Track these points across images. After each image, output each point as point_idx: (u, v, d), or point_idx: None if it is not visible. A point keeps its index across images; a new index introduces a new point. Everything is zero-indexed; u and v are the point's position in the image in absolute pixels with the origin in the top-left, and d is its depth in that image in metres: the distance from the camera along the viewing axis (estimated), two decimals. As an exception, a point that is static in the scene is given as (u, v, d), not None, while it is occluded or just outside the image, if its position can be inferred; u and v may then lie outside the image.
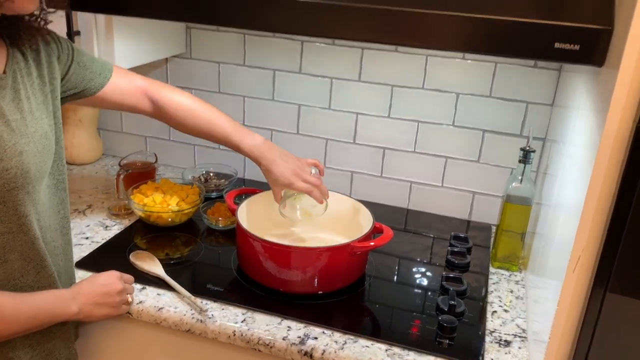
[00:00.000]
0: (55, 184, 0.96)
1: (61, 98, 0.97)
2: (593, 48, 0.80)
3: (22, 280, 0.89)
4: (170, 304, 1.07)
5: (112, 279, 1.02)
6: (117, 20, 1.26)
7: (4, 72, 0.84)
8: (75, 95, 1.02)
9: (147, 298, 1.08)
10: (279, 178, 1.14)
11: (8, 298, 0.85)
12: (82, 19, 1.23)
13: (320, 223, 1.32)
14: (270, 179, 1.16)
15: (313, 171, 1.18)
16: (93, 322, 1.06)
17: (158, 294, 1.10)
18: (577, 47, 0.80)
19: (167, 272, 1.17)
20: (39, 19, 0.90)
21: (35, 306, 0.88)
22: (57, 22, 0.96)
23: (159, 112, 1.14)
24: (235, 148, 1.15)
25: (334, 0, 0.92)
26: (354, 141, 1.53)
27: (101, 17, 1.25)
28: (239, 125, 1.17)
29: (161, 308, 1.06)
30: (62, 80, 0.97)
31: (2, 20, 0.85)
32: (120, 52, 1.30)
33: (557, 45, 0.81)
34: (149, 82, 1.14)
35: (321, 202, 1.17)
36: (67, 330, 0.98)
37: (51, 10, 0.93)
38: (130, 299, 1.05)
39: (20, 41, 0.88)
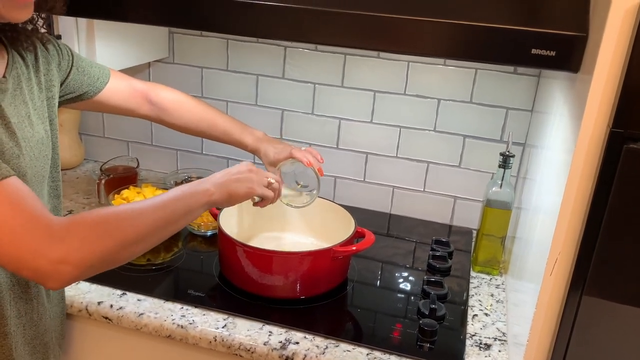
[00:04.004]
0: (48, 191, 0.94)
1: (59, 102, 0.97)
2: (569, 54, 0.81)
3: (25, 285, 0.88)
4: (151, 309, 1.06)
5: (240, 164, 0.99)
6: (99, 24, 1.25)
7: (4, 77, 0.83)
8: (72, 99, 1.02)
9: (127, 304, 1.07)
10: (270, 155, 1.17)
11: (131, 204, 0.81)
12: (63, 22, 1.23)
13: (302, 228, 1.32)
14: (265, 162, 1.19)
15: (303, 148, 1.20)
16: (237, 201, 0.96)
17: (138, 300, 1.09)
18: (553, 53, 0.81)
19: (148, 278, 1.17)
20: (34, 23, 0.89)
21: (163, 198, 0.83)
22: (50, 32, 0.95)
23: (159, 115, 1.16)
24: (237, 144, 1.19)
25: (316, 5, 0.93)
26: (337, 146, 1.53)
27: (82, 21, 1.24)
28: (239, 122, 1.21)
29: (142, 314, 1.05)
30: (60, 85, 0.97)
31: None
32: (102, 56, 1.29)
33: (533, 51, 0.82)
34: (148, 85, 1.15)
35: (305, 164, 1.15)
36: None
37: (43, 16, 0.92)
38: (273, 182, 1.01)
39: (18, 43, 0.87)
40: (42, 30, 0.91)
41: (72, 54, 0.99)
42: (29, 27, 0.88)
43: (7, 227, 0.68)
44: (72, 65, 0.99)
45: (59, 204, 0.97)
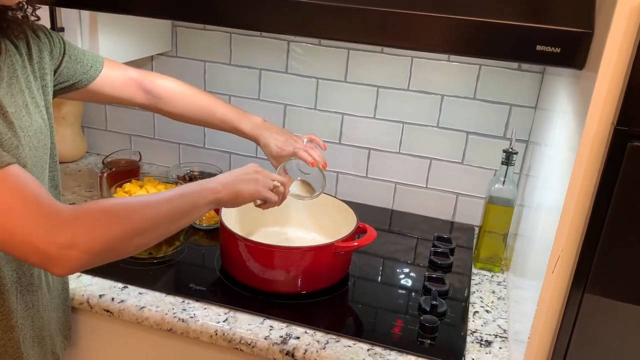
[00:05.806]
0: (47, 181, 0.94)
1: (53, 91, 0.96)
2: (574, 51, 0.81)
3: (30, 277, 0.88)
4: (152, 303, 1.07)
5: (247, 165, 1.00)
6: (102, 17, 1.25)
7: None
8: (66, 88, 1.01)
9: (129, 297, 1.08)
10: (273, 149, 1.16)
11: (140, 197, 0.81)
12: (67, 15, 1.22)
13: (304, 223, 1.32)
14: (267, 153, 1.19)
15: (305, 141, 1.20)
16: (242, 201, 0.96)
17: (140, 293, 1.09)
18: (558, 50, 0.81)
19: (149, 271, 1.17)
20: (24, 11, 0.88)
21: (170, 193, 0.84)
22: (41, 18, 0.95)
23: (155, 104, 1.15)
24: (235, 131, 1.18)
25: (321, 0, 0.92)
26: (339, 141, 1.53)
27: (86, 14, 1.24)
28: (237, 109, 1.20)
29: (143, 307, 1.05)
30: (54, 74, 0.96)
31: None
32: (105, 49, 1.29)
33: (538, 47, 0.82)
34: (143, 73, 1.14)
35: (310, 163, 1.15)
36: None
37: (37, 6, 0.91)
38: (278, 185, 1.01)
39: (10, 31, 0.86)
40: (32, 18, 0.90)
41: (63, 42, 0.98)
42: (19, 14, 0.87)
43: (15, 213, 0.68)
44: (64, 53, 0.98)
45: (58, 194, 0.97)
